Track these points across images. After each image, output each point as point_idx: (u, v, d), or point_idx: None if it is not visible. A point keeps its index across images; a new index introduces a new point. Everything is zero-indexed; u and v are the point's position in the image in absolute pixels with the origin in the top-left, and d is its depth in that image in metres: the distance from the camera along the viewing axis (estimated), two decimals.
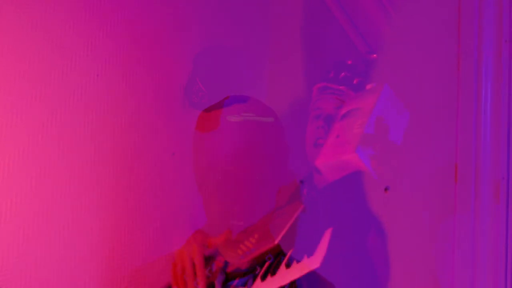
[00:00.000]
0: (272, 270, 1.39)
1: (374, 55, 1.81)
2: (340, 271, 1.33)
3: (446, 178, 1.67)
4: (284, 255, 1.39)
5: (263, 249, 1.40)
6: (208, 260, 1.44)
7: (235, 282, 1.44)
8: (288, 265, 1.35)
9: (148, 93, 1.95)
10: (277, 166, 1.54)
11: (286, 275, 1.34)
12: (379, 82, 1.73)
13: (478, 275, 1.59)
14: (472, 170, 1.63)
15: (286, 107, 2.01)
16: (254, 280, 1.39)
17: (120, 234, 1.81)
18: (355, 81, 1.79)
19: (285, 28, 2.22)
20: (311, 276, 1.36)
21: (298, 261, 1.35)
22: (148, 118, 1.93)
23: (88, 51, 1.81)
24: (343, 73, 1.79)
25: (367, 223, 1.79)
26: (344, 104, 1.73)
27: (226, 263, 1.43)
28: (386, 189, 1.71)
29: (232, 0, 2.17)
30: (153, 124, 1.95)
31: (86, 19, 1.81)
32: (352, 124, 1.63)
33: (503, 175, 1.62)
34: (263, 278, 1.37)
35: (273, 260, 1.42)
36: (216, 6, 2.12)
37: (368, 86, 1.70)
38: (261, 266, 1.40)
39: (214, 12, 2.12)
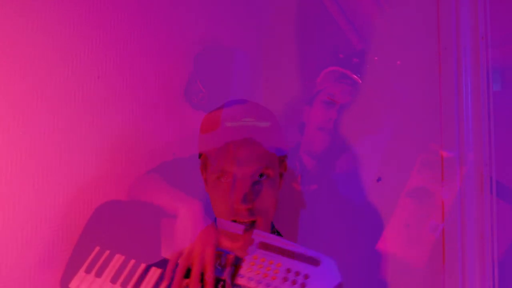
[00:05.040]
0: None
1: (356, 60, 1.82)
2: (341, 263, 1.33)
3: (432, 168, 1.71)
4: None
5: None
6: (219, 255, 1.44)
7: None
8: None
9: (149, 94, 1.96)
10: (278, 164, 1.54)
11: None
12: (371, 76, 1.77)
13: (467, 260, 1.63)
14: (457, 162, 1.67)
15: (283, 106, 2.03)
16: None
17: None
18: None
19: (284, 27, 2.24)
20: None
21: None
22: (148, 118, 1.94)
23: (88, 52, 1.81)
24: (355, 59, 1.78)
25: (362, 208, 1.82)
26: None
27: (236, 258, 1.42)
28: (378, 179, 1.75)
29: (231, 1, 2.19)
30: (154, 125, 1.95)
31: (86, 19, 1.81)
32: None
33: (486, 162, 1.66)
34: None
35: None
36: (215, 7, 2.13)
37: None
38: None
39: (214, 13, 2.13)
